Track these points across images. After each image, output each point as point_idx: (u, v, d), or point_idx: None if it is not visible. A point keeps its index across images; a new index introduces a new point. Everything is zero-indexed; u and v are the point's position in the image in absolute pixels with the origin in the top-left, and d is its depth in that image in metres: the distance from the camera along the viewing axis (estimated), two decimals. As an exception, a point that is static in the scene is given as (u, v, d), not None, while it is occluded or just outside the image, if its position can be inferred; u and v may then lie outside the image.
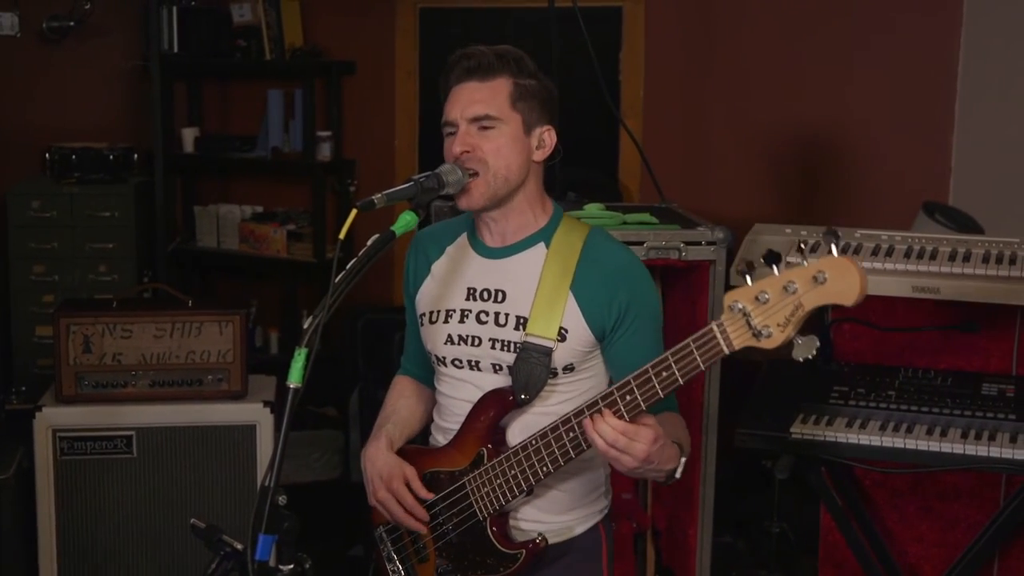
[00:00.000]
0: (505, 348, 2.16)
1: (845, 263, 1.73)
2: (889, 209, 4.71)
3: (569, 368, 2.16)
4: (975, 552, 2.91)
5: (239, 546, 1.95)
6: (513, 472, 2.09)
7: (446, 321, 2.23)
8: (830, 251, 1.75)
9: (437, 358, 2.26)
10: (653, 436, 1.92)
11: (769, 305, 1.78)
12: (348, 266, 1.96)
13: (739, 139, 5.07)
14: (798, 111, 4.99)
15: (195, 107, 5.43)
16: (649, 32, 5.12)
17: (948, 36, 4.77)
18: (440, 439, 2.29)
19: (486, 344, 2.18)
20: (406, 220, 2.02)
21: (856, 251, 3.01)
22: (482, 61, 2.13)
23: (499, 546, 2.15)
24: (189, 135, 5.32)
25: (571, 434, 2.01)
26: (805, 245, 1.84)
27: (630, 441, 1.91)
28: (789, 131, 5.00)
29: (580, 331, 2.14)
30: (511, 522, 2.19)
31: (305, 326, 1.87)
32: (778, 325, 1.77)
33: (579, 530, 2.24)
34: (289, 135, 5.24)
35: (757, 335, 1.79)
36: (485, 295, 2.20)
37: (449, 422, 2.26)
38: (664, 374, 1.91)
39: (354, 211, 1.95)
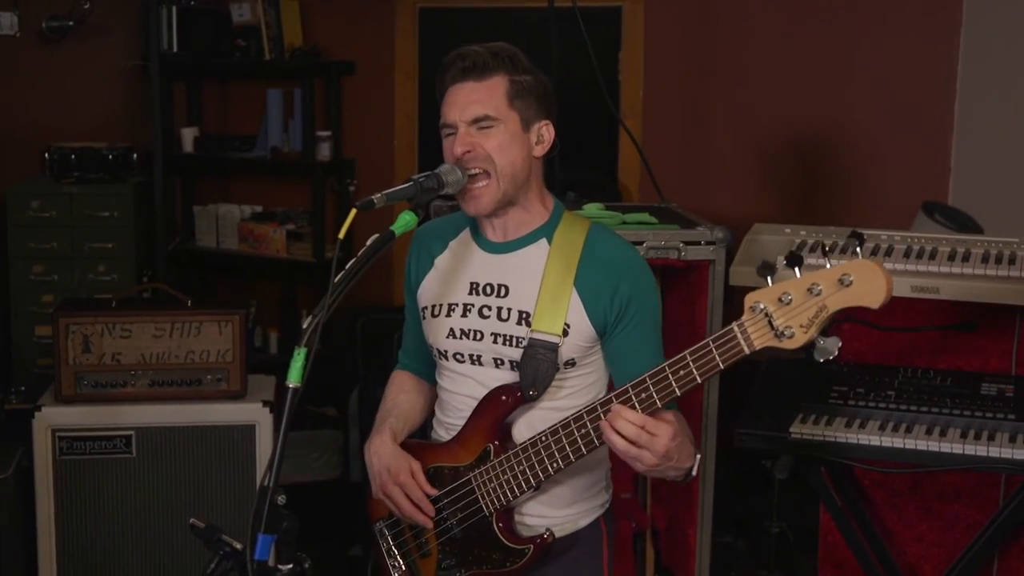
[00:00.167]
0: (507, 343, 2.16)
1: (871, 266, 1.74)
2: (889, 209, 4.71)
3: (570, 363, 2.16)
4: (975, 552, 2.92)
5: (238, 546, 1.95)
6: (521, 468, 2.10)
7: (448, 315, 2.23)
8: (855, 253, 1.76)
9: (439, 352, 2.26)
10: (672, 431, 1.93)
11: (792, 306, 1.79)
12: (347, 266, 1.96)
13: (739, 139, 5.07)
14: (798, 111, 4.99)
15: (194, 107, 5.43)
16: (649, 32, 5.12)
17: (948, 36, 4.77)
18: (442, 434, 2.29)
19: (488, 338, 2.18)
20: (405, 220, 2.03)
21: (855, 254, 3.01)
22: (477, 61, 2.12)
23: (505, 541, 2.15)
24: (188, 135, 5.31)
25: (583, 430, 2.02)
26: (826, 246, 1.86)
27: (651, 437, 1.92)
28: (789, 131, 5.01)
29: (583, 326, 2.14)
30: (516, 518, 2.19)
31: (304, 326, 1.87)
32: (801, 326, 1.79)
33: (582, 524, 2.25)
34: (288, 135, 5.24)
35: (779, 336, 1.81)
36: (488, 289, 2.20)
37: (451, 417, 2.26)
38: (682, 372, 1.92)
39: (353, 211, 1.95)
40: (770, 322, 1.81)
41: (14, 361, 4.85)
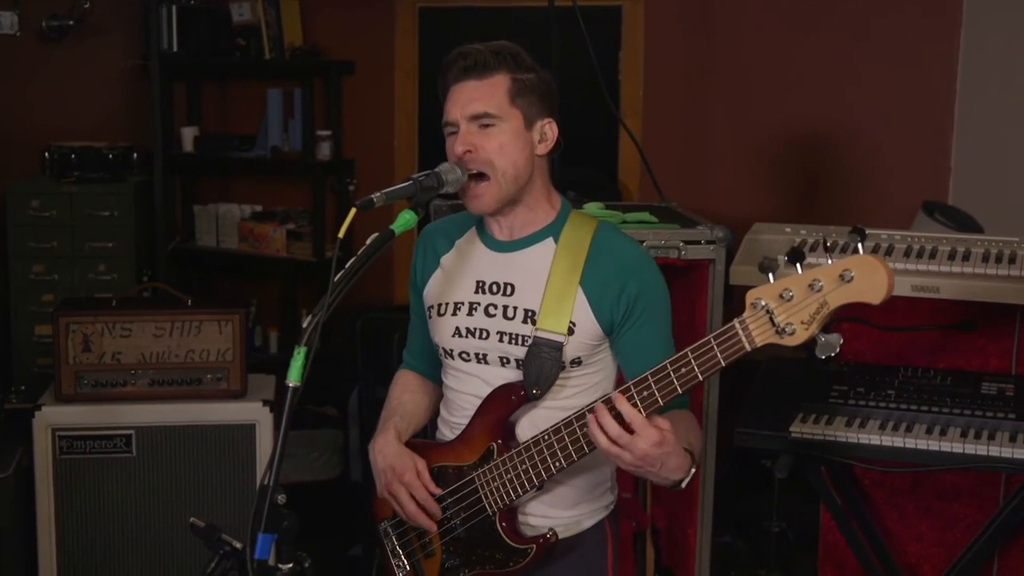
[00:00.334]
0: (513, 341, 2.16)
1: (872, 261, 1.73)
2: (889, 208, 4.71)
3: (576, 362, 2.16)
4: (975, 551, 2.91)
5: (238, 545, 1.95)
6: (524, 467, 2.09)
7: (454, 314, 2.23)
8: (856, 250, 1.75)
9: (444, 351, 2.26)
10: (657, 438, 1.90)
11: (793, 303, 1.78)
12: (347, 265, 1.96)
13: (739, 138, 5.07)
14: (798, 110, 4.99)
15: (194, 106, 5.43)
16: (649, 31, 5.12)
17: (948, 36, 4.77)
18: (447, 433, 2.29)
19: (494, 337, 2.18)
20: (405, 219, 2.02)
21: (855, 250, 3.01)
22: (478, 59, 2.12)
23: (509, 541, 2.15)
24: (188, 134, 5.31)
25: (584, 429, 2.00)
26: (828, 243, 1.85)
27: (632, 437, 1.90)
28: (789, 130, 5.01)
29: (588, 325, 2.14)
30: (520, 517, 2.19)
31: (304, 325, 1.87)
32: (802, 323, 1.78)
33: (587, 525, 2.24)
34: (288, 134, 5.24)
35: (780, 332, 1.80)
36: (494, 288, 2.20)
37: (456, 416, 2.26)
38: (683, 370, 1.91)
39: (353, 210, 1.95)
40: (771, 319, 1.80)
41: (14, 361, 4.86)
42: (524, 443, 2.11)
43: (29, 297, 4.84)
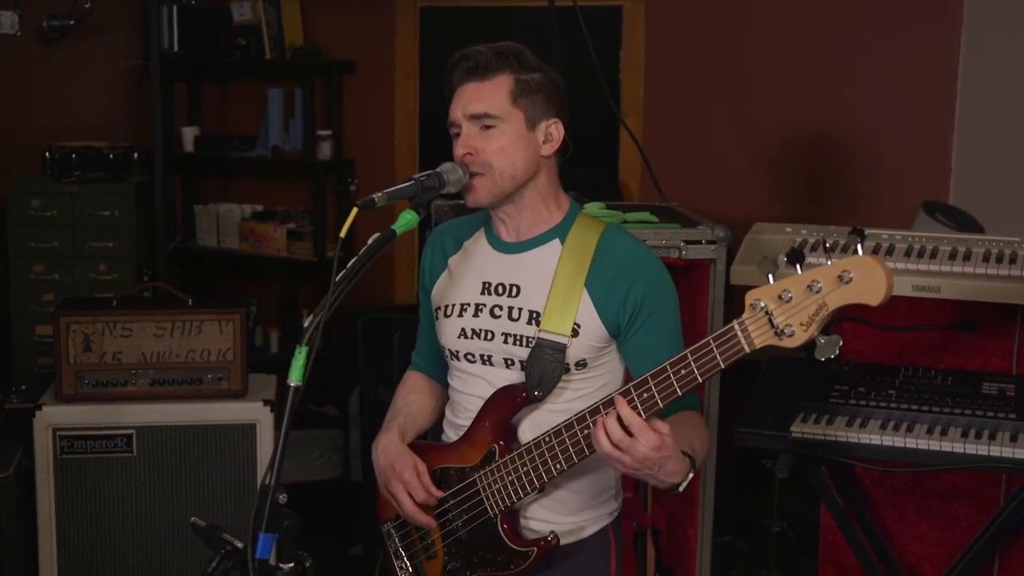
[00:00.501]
0: (518, 343, 2.15)
1: (871, 262, 1.72)
2: (889, 208, 4.71)
3: (582, 364, 2.15)
4: (975, 551, 2.91)
5: (239, 544, 1.95)
6: (525, 469, 2.09)
7: (460, 315, 2.23)
8: (856, 250, 1.75)
9: (450, 352, 2.26)
10: (656, 442, 1.89)
11: (792, 304, 1.77)
12: (348, 265, 1.96)
13: (739, 138, 5.07)
14: (798, 110, 4.99)
15: (195, 106, 5.43)
16: (649, 31, 5.12)
17: (948, 36, 4.77)
18: (451, 435, 2.29)
19: (499, 338, 2.17)
20: (407, 219, 2.03)
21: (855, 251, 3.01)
22: (480, 61, 2.12)
23: (510, 543, 2.14)
24: (189, 134, 5.31)
25: (586, 432, 2.00)
26: (828, 244, 1.84)
27: (632, 441, 1.89)
28: (789, 130, 5.01)
29: (593, 327, 2.13)
30: (521, 520, 2.18)
31: (305, 325, 1.87)
32: (801, 324, 1.77)
33: (589, 531, 2.24)
34: (289, 134, 5.24)
35: (779, 334, 1.79)
36: (500, 289, 2.20)
37: (461, 418, 2.26)
38: (683, 372, 1.90)
39: (355, 210, 1.95)
40: (770, 320, 1.79)
41: (14, 360, 4.86)
42: (525, 445, 2.10)
43: (30, 297, 4.84)
